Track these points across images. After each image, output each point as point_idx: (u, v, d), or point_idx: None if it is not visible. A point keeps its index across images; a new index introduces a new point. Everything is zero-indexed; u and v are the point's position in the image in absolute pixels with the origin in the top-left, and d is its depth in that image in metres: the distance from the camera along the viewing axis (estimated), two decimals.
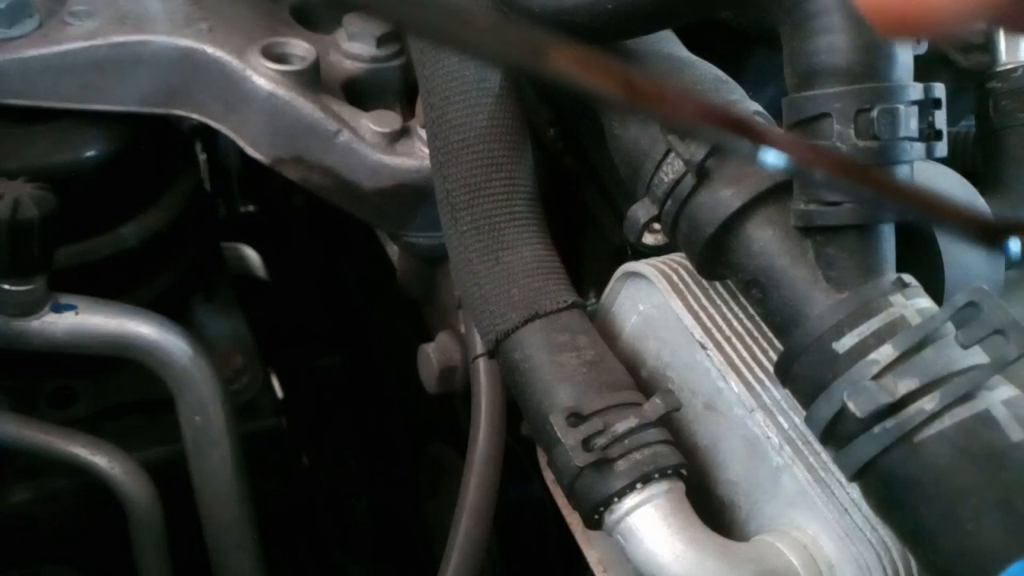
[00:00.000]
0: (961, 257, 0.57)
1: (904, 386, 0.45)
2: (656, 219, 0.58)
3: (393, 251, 0.94)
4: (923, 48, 0.53)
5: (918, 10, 0.26)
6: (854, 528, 0.52)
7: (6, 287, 0.79)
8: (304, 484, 1.16)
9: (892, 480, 0.45)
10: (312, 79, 0.84)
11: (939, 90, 0.50)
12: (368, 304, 1.19)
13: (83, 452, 0.85)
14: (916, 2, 0.26)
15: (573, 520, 0.64)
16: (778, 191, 0.53)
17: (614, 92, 0.23)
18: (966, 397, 0.44)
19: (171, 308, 0.92)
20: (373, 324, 1.20)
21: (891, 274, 0.50)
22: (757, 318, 0.59)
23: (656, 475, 0.54)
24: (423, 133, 0.81)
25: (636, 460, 0.55)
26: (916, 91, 0.49)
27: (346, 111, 0.84)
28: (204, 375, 0.86)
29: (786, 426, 0.55)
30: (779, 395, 0.56)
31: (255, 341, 1.05)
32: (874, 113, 0.47)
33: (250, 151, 0.85)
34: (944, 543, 0.43)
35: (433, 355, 0.82)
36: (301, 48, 0.85)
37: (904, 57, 0.50)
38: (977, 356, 0.45)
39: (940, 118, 0.50)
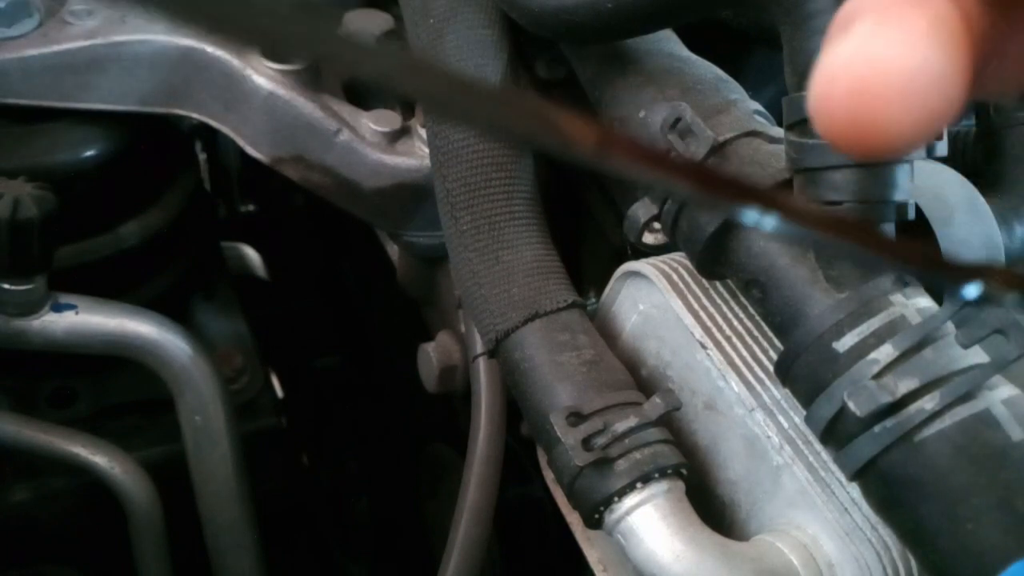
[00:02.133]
0: (961, 257, 0.57)
1: (904, 385, 0.45)
2: (656, 218, 0.58)
3: (393, 251, 0.94)
4: None
5: (871, 138, 0.25)
6: (854, 528, 0.52)
7: (6, 287, 0.79)
8: (304, 484, 1.16)
9: (892, 479, 0.45)
10: (312, 78, 0.84)
11: None
12: (368, 304, 1.19)
13: (83, 452, 0.85)
14: (868, 130, 0.25)
15: (573, 520, 0.64)
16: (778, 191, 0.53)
17: (653, 175, 0.22)
18: (966, 396, 0.44)
19: (171, 308, 0.91)
20: (373, 324, 1.19)
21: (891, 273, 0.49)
22: (757, 318, 0.59)
23: (656, 475, 0.54)
24: (423, 132, 0.81)
25: (636, 460, 0.55)
26: None
27: (346, 110, 0.84)
28: (204, 375, 0.86)
29: (786, 426, 0.55)
30: (779, 395, 0.56)
31: (255, 341, 1.05)
32: None
33: (250, 150, 0.85)
34: (944, 543, 0.43)
35: (433, 355, 0.82)
36: None
37: None
38: (977, 355, 0.45)
39: None
